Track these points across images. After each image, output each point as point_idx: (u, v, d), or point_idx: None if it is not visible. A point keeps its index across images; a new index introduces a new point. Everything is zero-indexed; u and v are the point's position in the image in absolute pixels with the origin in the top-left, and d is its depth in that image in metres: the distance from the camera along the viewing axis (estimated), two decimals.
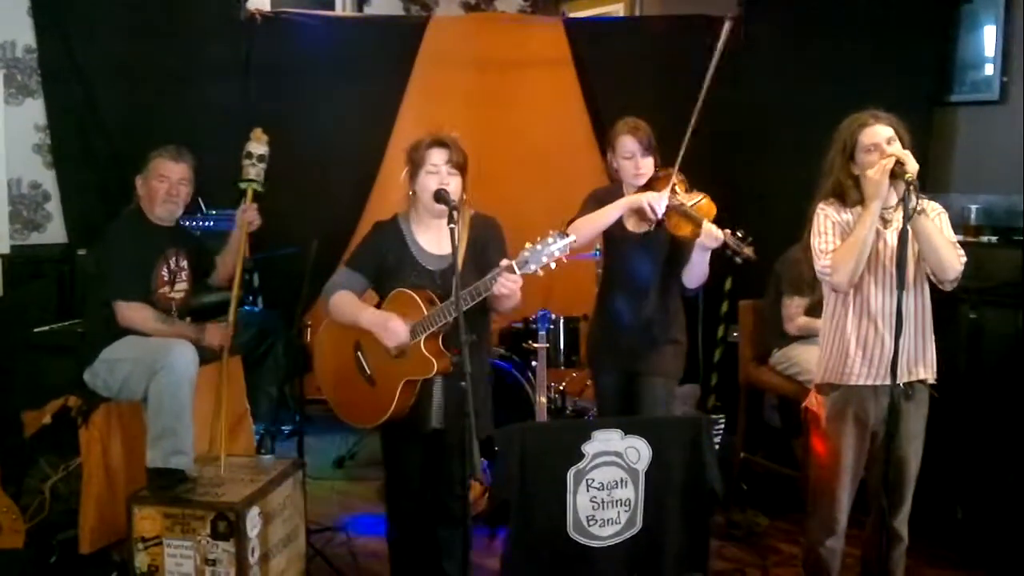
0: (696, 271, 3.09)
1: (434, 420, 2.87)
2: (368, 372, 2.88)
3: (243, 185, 3.43)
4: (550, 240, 2.53)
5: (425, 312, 2.72)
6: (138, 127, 4.84)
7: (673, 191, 3.09)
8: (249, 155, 3.41)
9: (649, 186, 3.17)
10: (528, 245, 2.56)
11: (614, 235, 3.25)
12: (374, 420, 2.85)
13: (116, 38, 4.92)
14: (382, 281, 2.88)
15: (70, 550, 3.36)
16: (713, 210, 3.05)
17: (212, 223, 4.59)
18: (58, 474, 3.53)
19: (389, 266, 2.87)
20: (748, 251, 2.93)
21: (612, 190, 3.32)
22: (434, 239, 2.89)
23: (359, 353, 2.90)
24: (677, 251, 3.18)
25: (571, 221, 3.17)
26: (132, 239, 3.33)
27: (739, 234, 2.94)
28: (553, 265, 2.55)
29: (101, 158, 4.94)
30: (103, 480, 3.37)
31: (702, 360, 4.88)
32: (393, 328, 2.73)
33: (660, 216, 3.07)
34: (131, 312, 3.24)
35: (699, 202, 3.07)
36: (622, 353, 3.28)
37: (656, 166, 3.21)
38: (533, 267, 2.54)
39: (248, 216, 3.45)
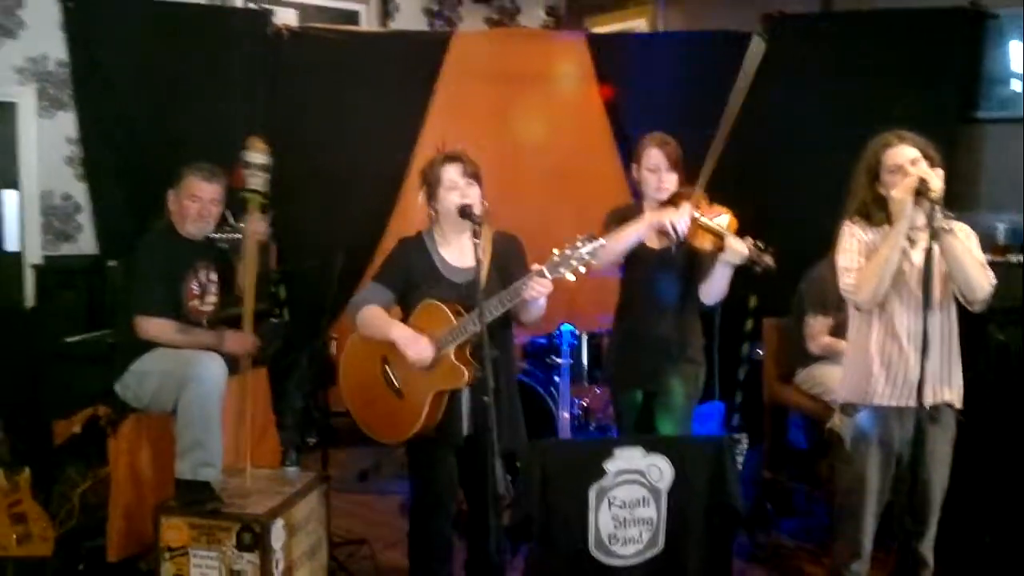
0: (716, 286, 3.09)
1: (465, 431, 2.87)
2: (397, 385, 2.89)
3: (245, 195, 3.42)
4: (579, 244, 2.55)
5: (454, 322, 2.75)
6: (167, 140, 4.91)
7: (695, 206, 3.08)
8: (247, 164, 3.37)
9: (671, 202, 3.17)
10: (556, 250, 2.58)
11: (634, 252, 3.23)
12: (403, 434, 2.86)
13: (146, 52, 5.00)
14: (408, 295, 2.90)
15: (98, 558, 3.39)
16: (735, 225, 3.05)
17: (239, 236, 4.63)
18: (87, 483, 3.57)
19: (415, 280, 2.89)
20: (768, 260, 2.93)
21: (632, 208, 3.33)
22: (458, 252, 2.92)
23: (387, 367, 2.92)
24: (696, 267, 3.17)
25: None
26: (162, 254, 3.37)
27: (759, 245, 2.94)
28: (583, 269, 2.56)
29: (131, 170, 5.01)
30: (131, 489, 3.40)
31: (719, 378, 4.85)
32: (421, 347, 2.75)
33: (682, 235, 3.04)
34: (150, 325, 3.26)
35: (721, 217, 3.06)
36: (640, 371, 3.28)
37: (681, 184, 3.22)
38: (563, 271, 2.57)
39: (253, 226, 3.47)
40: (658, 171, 3.18)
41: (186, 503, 3.07)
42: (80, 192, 5.05)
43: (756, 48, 3.11)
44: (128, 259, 3.53)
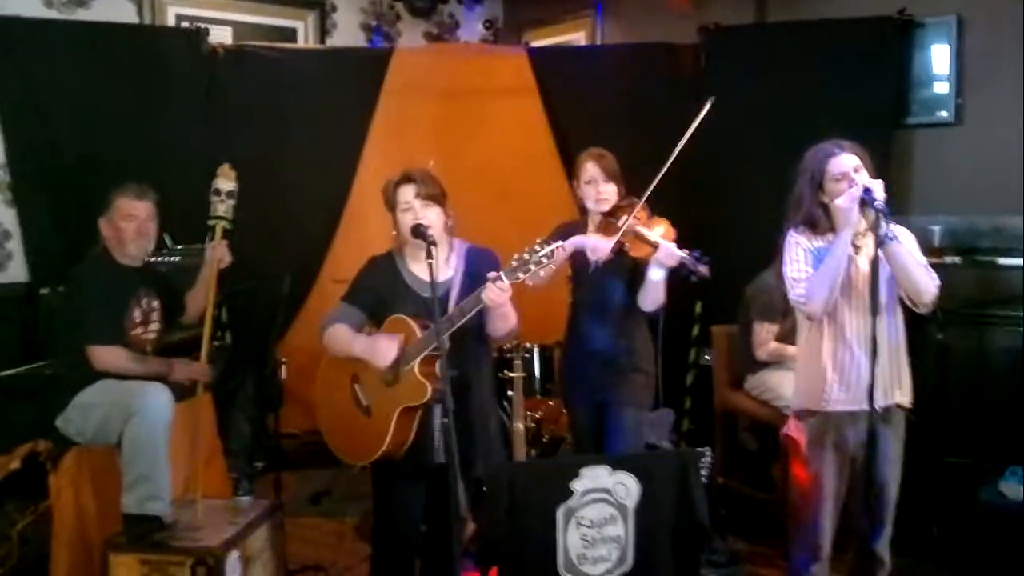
0: (651, 292, 3.12)
1: (439, 456, 2.82)
2: (364, 403, 2.86)
3: (212, 222, 3.40)
4: (537, 248, 2.55)
5: (419, 336, 2.73)
6: (100, 164, 4.75)
7: (635, 216, 3.14)
8: (217, 192, 3.39)
9: (612, 214, 3.23)
10: (515, 256, 2.58)
11: (577, 264, 3.31)
12: (371, 454, 2.79)
13: (76, 74, 4.84)
14: (378, 313, 2.89)
15: None
16: (672, 235, 3.10)
17: (179, 258, 4.53)
18: (26, 519, 3.44)
19: (384, 298, 2.88)
20: (703, 270, 2.97)
21: (577, 224, 3.38)
22: (426, 267, 2.87)
23: (356, 386, 2.89)
24: (639, 278, 3.20)
25: None
26: (103, 282, 3.28)
27: (695, 254, 2.99)
28: (542, 274, 2.56)
29: (62, 195, 4.85)
30: (74, 525, 3.28)
31: (664, 384, 4.89)
32: (381, 345, 2.73)
33: (599, 261, 3.17)
34: (106, 355, 3.19)
35: (660, 229, 3.12)
36: (590, 383, 3.30)
37: (620, 195, 3.28)
38: (521, 276, 2.56)
39: (218, 253, 3.43)
40: (595, 183, 3.25)
41: (134, 538, 2.97)
42: (10, 219, 4.87)
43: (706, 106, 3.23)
44: (66, 289, 3.42)
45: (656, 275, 3.06)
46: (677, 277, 3.07)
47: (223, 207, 3.39)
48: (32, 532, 3.42)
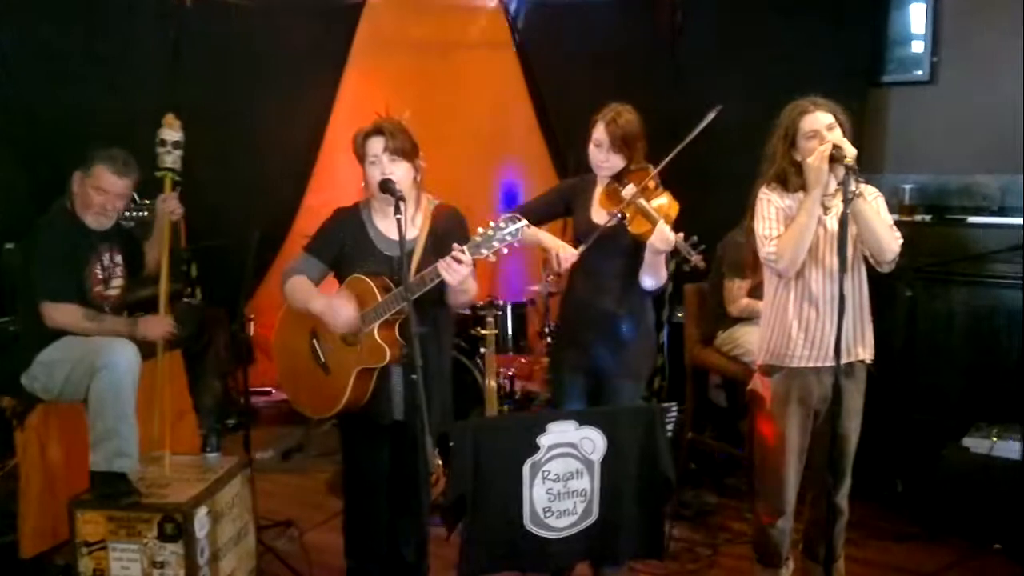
0: (650, 272, 2.96)
1: (395, 412, 2.85)
2: (323, 360, 2.86)
3: (159, 174, 3.32)
4: (502, 225, 2.52)
5: (379, 299, 2.70)
6: (65, 116, 4.66)
7: (644, 188, 2.95)
8: (163, 142, 3.29)
9: (619, 179, 3.03)
10: (480, 230, 2.55)
11: (580, 227, 3.12)
12: (328, 410, 2.83)
13: (41, 23, 4.72)
14: (341, 267, 2.86)
15: (9, 555, 3.26)
16: (674, 212, 2.93)
17: (145, 213, 4.46)
18: None
19: (348, 252, 2.84)
20: (697, 259, 2.80)
21: (586, 181, 3.18)
22: (393, 225, 2.80)
23: (315, 341, 2.88)
24: (641, 247, 2.98)
25: (521, 207, 3.15)
26: (62, 238, 3.21)
27: (692, 243, 2.82)
28: (505, 250, 2.53)
29: (27, 148, 4.74)
30: (42, 482, 3.27)
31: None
32: (339, 309, 2.71)
33: (559, 271, 3.01)
34: (58, 313, 3.14)
35: (661, 202, 2.94)
36: (585, 349, 3.10)
37: (632, 161, 3.03)
38: (484, 252, 2.53)
39: (169, 205, 3.35)
40: (600, 147, 3.02)
41: (102, 496, 2.96)
42: None
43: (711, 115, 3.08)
44: (26, 242, 3.35)
45: (652, 257, 2.90)
46: (669, 261, 2.96)
47: (170, 158, 3.30)
48: (0, 488, 3.41)
